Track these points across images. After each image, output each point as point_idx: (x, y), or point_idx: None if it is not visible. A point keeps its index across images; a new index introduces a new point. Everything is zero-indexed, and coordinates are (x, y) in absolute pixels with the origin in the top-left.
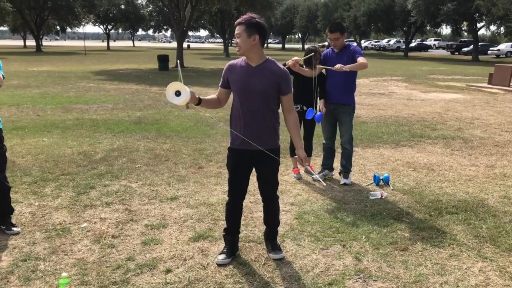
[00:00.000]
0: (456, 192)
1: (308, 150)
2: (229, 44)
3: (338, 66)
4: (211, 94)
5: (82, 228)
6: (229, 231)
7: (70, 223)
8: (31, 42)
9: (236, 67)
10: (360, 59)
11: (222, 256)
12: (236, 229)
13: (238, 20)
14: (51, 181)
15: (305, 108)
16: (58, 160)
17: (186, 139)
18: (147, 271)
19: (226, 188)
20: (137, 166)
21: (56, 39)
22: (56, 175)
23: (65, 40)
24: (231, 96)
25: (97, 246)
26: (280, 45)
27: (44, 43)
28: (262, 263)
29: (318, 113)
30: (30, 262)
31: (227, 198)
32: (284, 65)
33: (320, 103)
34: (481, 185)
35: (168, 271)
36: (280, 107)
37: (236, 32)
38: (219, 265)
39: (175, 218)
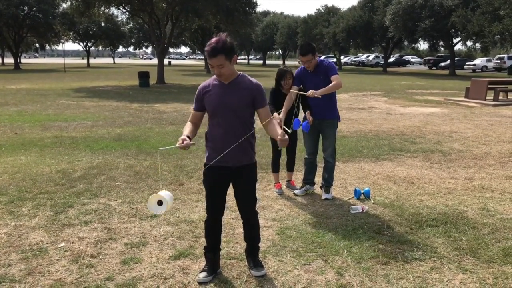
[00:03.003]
0: (436, 205)
1: (291, 165)
2: None
3: (309, 92)
4: (191, 109)
5: (59, 248)
6: (210, 249)
7: (47, 243)
8: (9, 60)
9: (209, 87)
10: (334, 78)
11: (203, 274)
12: (217, 246)
13: (212, 50)
14: (28, 201)
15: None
16: (35, 178)
17: (167, 156)
18: None
19: None
20: (116, 183)
21: (35, 57)
22: (34, 194)
23: (44, 57)
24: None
25: (75, 266)
26: (261, 61)
27: (23, 60)
28: (244, 280)
29: (304, 122)
30: (5, 284)
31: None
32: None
33: (306, 115)
34: (460, 197)
35: None
36: (258, 121)
37: (217, 64)
38: (200, 283)
39: (155, 236)
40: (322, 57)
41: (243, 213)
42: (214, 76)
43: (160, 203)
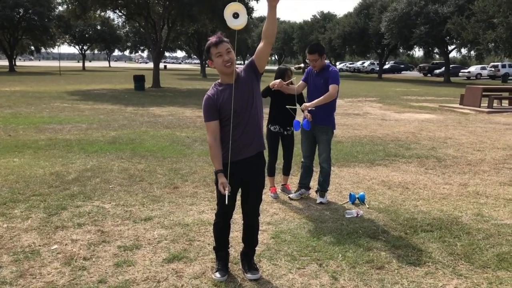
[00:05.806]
0: (431, 210)
1: (287, 169)
2: (206, 65)
3: (303, 106)
4: (187, 112)
5: (52, 250)
6: (221, 248)
7: (39, 245)
8: (4, 62)
9: (217, 94)
10: (330, 88)
11: (219, 274)
12: (227, 245)
13: (217, 40)
14: (21, 202)
15: (282, 129)
16: (29, 180)
17: (162, 159)
18: None
19: (202, 208)
20: (110, 186)
21: (31, 59)
22: (27, 196)
23: (39, 60)
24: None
25: (67, 268)
26: None
27: (18, 63)
28: (238, 283)
29: (304, 121)
30: None
31: (214, 217)
32: (269, 87)
33: (305, 113)
34: (454, 203)
35: None
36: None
37: (225, 48)
38: (219, 282)
39: (149, 239)
40: None
41: (248, 211)
42: (214, 83)
43: (236, 15)
